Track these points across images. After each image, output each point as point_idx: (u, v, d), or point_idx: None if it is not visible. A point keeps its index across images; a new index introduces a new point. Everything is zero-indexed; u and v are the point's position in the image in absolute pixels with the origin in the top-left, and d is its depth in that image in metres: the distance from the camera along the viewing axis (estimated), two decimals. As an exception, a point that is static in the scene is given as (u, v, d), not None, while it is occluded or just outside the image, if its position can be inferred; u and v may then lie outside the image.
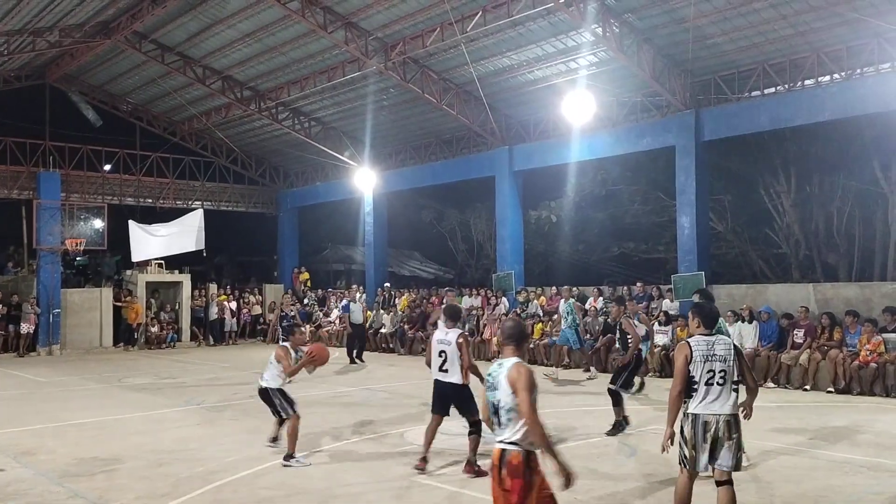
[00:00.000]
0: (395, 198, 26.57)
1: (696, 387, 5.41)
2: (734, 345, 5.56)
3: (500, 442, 4.35)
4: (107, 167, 26.53)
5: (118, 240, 25.06)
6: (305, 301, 26.70)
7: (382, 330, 21.87)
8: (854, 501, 6.62)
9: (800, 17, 14.35)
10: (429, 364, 8.11)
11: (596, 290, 19.33)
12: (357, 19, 18.19)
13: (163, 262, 24.77)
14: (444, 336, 7.84)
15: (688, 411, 5.44)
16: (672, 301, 17.17)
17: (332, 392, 13.52)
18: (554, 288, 20.38)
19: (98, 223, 25.29)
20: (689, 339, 5.57)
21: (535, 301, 19.87)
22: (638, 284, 18.68)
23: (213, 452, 8.81)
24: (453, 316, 8.12)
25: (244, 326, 26.19)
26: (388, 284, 24.87)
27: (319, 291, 27.48)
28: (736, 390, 5.46)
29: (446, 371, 7.77)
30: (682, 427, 5.47)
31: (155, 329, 24.12)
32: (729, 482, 5.45)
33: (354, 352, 18.79)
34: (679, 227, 17.60)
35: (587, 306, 18.33)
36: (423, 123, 22.88)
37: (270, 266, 31.70)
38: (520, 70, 18.60)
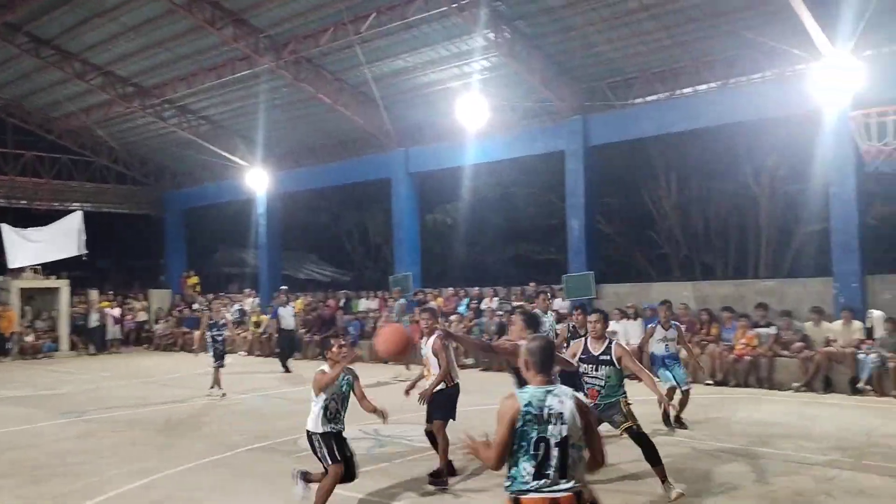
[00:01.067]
0: (290, 199, 26.09)
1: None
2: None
3: (569, 489, 3.66)
4: (-26, 166, 24.74)
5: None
6: (195, 306, 25.77)
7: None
8: (731, 488, 7.00)
9: (679, 28, 15.09)
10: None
11: (492, 290, 19.65)
12: (247, 16, 17.77)
13: (39, 267, 23.31)
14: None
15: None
16: (563, 300, 17.66)
17: (225, 399, 13.12)
18: (451, 289, 20.56)
19: (-35, 226, 23.49)
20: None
21: (433, 302, 19.97)
22: (531, 284, 19.11)
23: (94, 467, 8.37)
24: (531, 324, 6.90)
25: (128, 334, 25.03)
26: (283, 288, 24.31)
27: (210, 296, 26.58)
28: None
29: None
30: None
31: (30, 338, 22.66)
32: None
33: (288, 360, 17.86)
34: (569, 228, 18.14)
35: (482, 307, 18.62)
36: (317, 124, 22.58)
37: (157, 270, 30.44)
38: (415, 72, 18.67)
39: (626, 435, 6.83)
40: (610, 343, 7.02)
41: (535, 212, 25.39)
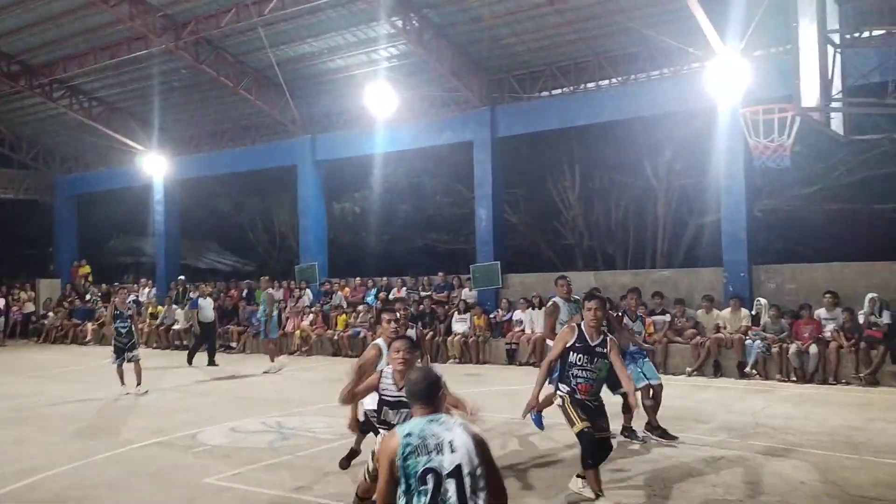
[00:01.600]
0: (190, 185, 25.19)
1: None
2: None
3: None
4: None
5: None
6: (88, 297, 24.60)
7: (175, 326, 20.68)
8: (624, 470, 7.23)
9: (582, 23, 15.42)
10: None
11: (400, 280, 19.63)
12: (143, -7, 17.00)
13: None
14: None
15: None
16: (471, 290, 17.83)
17: (116, 394, 12.55)
18: (359, 279, 20.40)
19: None
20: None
21: (340, 293, 19.78)
22: (440, 274, 19.20)
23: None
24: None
25: (14, 326, 23.65)
26: (182, 277, 23.52)
27: (104, 286, 25.41)
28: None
29: None
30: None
31: None
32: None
33: (196, 355, 16.73)
34: (477, 218, 18.31)
35: (391, 297, 18.56)
36: (219, 108, 21.86)
37: (45, 259, 28.83)
38: (321, 58, 18.34)
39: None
40: (606, 334, 6.44)
41: (443, 201, 25.52)
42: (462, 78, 17.32)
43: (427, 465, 3.25)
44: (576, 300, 8.69)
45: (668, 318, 14.28)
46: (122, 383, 12.45)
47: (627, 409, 8.12)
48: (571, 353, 6.30)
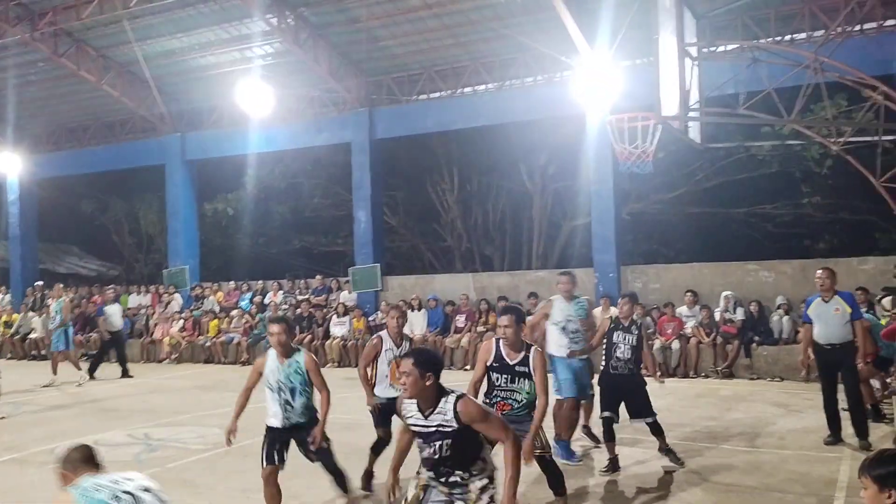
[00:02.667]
0: (49, 185, 23.62)
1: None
2: None
3: None
4: None
5: None
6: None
7: (32, 335, 19.31)
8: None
9: (460, 28, 15.65)
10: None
11: (276, 283, 19.20)
12: (-5, -22, 15.81)
13: None
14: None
15: None
16: (350, 293, 17.69)
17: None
18: (232, 283, 19.79)
19: None
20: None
21: (212, 297, 19.11)
22: (318, 277, 18.94)
23: None
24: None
25: None
26: (40, 283, 21.97)
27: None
28: None
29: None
30: None
31: None
32: None
33: (102, 365, 15.46)
34: (356, 220, 18.19)
35: (266, 301, 18.14)
36: (81, 103, 20.63)
37: None
38: (190, 53, 17.69)
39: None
40: (529, 350, 5.50)
41: (321, 203, 25.15)
42: (340, 79, 17.18)
43: None
44: (579, 300, 7.96)
45: (542, 317, 14.68)
46: None
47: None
48: (490, 371, 5.53)
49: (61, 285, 15.65)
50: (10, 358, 19.00)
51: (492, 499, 4.10)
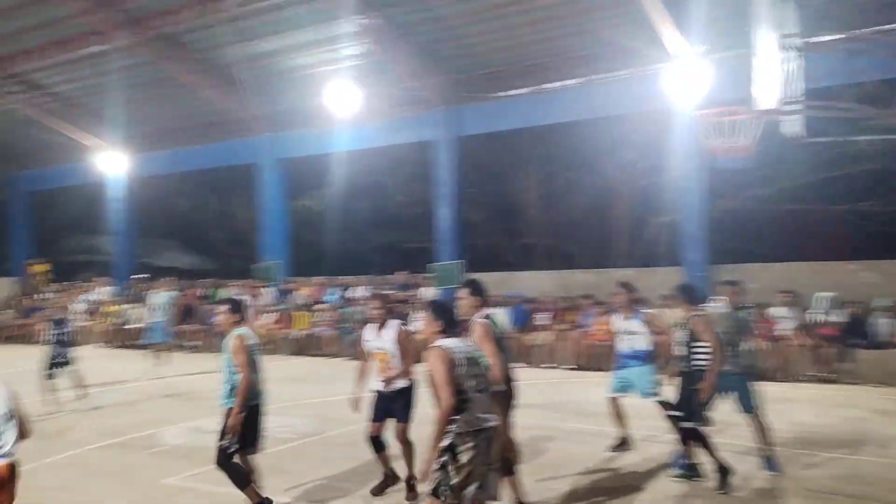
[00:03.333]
0: (149, 183, 24.78)
1: (467, 397, 4.53)
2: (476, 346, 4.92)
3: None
4: None
5: None
6: (42, 296, 24.02)
7: (133, 325, 20.27)
8: (589, 468, 7.32)
9: (545, 24, 15.53)
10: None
11: (361, 279, 19.55)
12: (102, -13, 16.68)
13: None
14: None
15: (466, 429, 4.49)
16: (432, 289, 17.83)
17: (98, 392, 12.28)
18: (320, 278, 20.27)
19: None
20: (439, 342, 4.68)
21: (301, 291, 19.63)
22: (401, 273, 19.17)
23: None
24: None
25: (-35, 326, 23.01)
26: (141, 276, 23.14)
27: (60, 284, 24.86)
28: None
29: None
30: (452, 449, 4.48)
31: None
32: None
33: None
34: (438, 217, 18.33)
35: (351, 296, 18.48)
36: (180, 105, 21.53)
37: (-1, 257, 28.10)
38: (283, 55, 18.19)
39: None
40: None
41: (404, 200, 25.49)
42: (424, 77, 17.32)
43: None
44: (745, 309, 7.60)
45: (627, 316, 14.42)
46: (53, 395, 11.07)
47: None
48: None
49: (169, 279, 16.28)
50: (112, 346, 20.03)
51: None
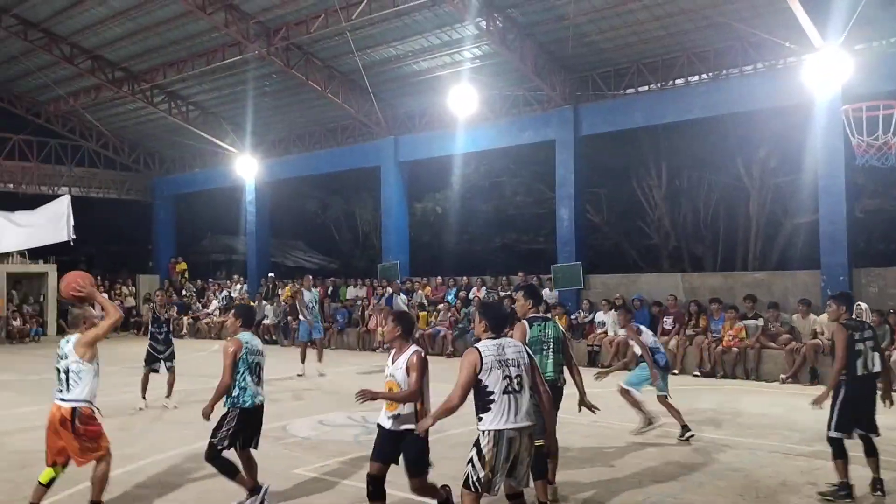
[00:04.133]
0: (279, 186, 26.00)
1: (492, 398, 4.68)
2: (526, 349, 4.99)
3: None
4: (-38, 149, 24.52)
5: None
6: (184, 292, 25.72)
7: (265, 321, 21.37)
8: (717, 478, 7.05)
9: (671, 18, 15.07)
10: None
11: (480, 280, 19.66)
12: (238, 1, 17.64)
13: (25, 251, 23.13)
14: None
15: (487, 427, 4.68)
16: (551, 291, 17.69)
17: (207, 385, 13.04)
18: (439, 278, 20.57)
19: (-49, 209, 23.30)
20: (477, 346, 4.86)
21: (421, 291, 19.99)
22: (520, 274, 19.12)
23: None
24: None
25: (116, 319, 24.90)
26: (271, 275, 24.32)
27: (198, 282, 26.53)
28: (533, 398, 4.89)
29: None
30: (478, 447, 4.71)
31: (17, 322, 22.55)
32: (520, 495, 4.97)
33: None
34: (558, 218, 18.15)
35: (470, 296, 18.64)
36: (307, 111, 22.47)
37: (145, 256, 30.27)
38: (405, 60, 18.59)
39: None
40: None
41: (523, 201, 25.41)
42: (545, 77, 17.22)
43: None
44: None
45: (760, 322, 13.80)
46: (144, 396, 11.06)
47: None
48: None
49: (310, 277, 16.13)
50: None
51: None
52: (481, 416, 4.74)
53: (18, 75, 23.68)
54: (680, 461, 7.59)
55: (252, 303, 22.28)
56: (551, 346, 6.24)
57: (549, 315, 7.00)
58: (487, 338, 4.92)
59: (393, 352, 5.57)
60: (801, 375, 12.86)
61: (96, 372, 5.94)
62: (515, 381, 4.75)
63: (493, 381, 4.70)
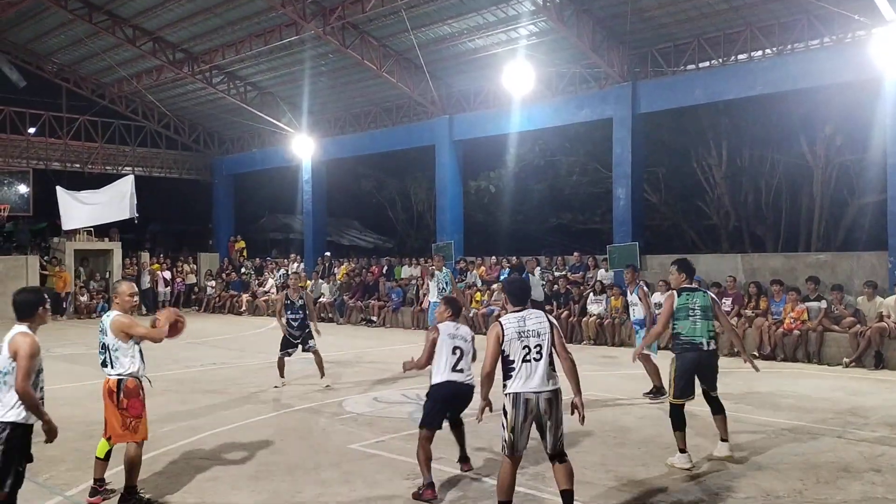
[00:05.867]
0: (335, 166, 26.26)
1: (513, 366, 5.18)
2: (549, 318, 5.36)
3: None
4: (31, 130, 25.42)
5: (45, 206, 24.14)
6: (242, 270, 26.28)
7: (322, 299, 21.72)
8: (776, 462, 6.92)
9: (735, -8, 14.61)
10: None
11: (534, 259, 19.55)
12: (295, -19, 17.75)
13: (92, 229, 23.97)
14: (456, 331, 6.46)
15: (508, 391, 5.21)
16: (607, 271, 17.51)
17: (269, 361, 13.35)
18: (493, 258, 20.54)
19: (23, 188, 24.30)
20: (500, 319, 5.34)
21: (475, 271, 20.00)
22: (575, 254, 18.98)
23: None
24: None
25: (178, 296, 25.66)
26: (327, 253, 24.68)
27: (256, 260, 27.09)
28: (553, 365, 5.26)
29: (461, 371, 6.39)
30: (504, 410, 5.22)
31: (84, 298, 23.41)
32: (561, 455, 5.27)
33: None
34: (615, 198, 17.90)
35: (524, 276, 18.54)
36: (362, 91, 22.57)
37: (205, 234, 31.03)
38: (460, 38, 18.47)
39: None
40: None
41: (579, 180, 25.10)
42: (602, 53, 16.91)
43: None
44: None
45: (823, 304, 13.43)
46: (282, 375, 11.10)
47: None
48: None
49: (441, 256, 15.21)
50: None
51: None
52: (505, 382, 5.25)
53: (83, 57, 24.38)
54: (739, 443, 7.47)
55: (308, 281, 22.68)
56: (698, 314, 6.97)
57: (697, 287, 7.49)
58: (511, 311, 5.40)
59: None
60: (865, 359, 12.48)
61: (137, 350, 6.05)
62: (535, 350, 5.20)
63: (514, 350, 5.20)
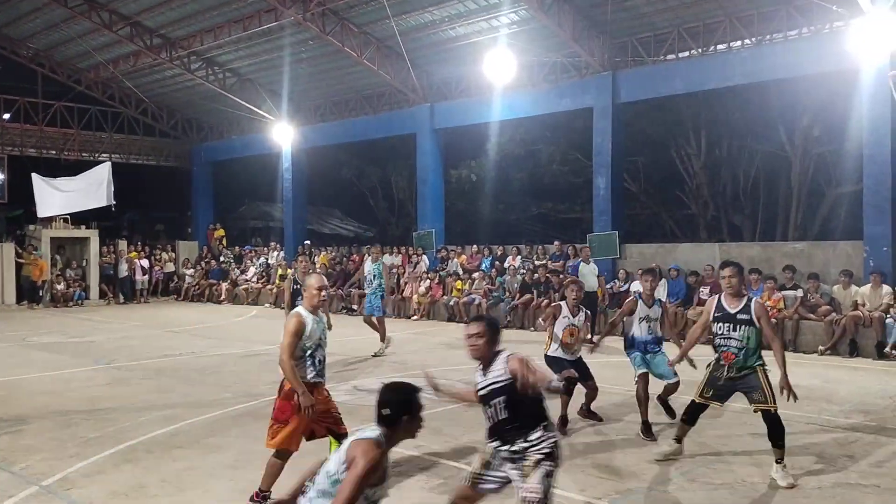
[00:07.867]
0: (315, 154, 26.11)
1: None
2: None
3: None
4: (6, 116, 25.04)
5: (20, 193, 23.80)
6: (221, 258, 26.10)
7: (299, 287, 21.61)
8: (751, 449, 7.01)
9: (714, -18, 14.66)
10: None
11: (515, 248, 19.63)
12: (274, -33, 17.57)
13: (68, 217, 23.67)
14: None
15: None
16: (587, 263, 17.56)
17: (249, 350, 13.31)
18: (475, 247, 20.57)
19: (-3, 175, 23.94)
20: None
21: (456, 259, 20.02)
22: (555, 243, 19.05)
23: (124, 413, 8.58)
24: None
25: (156, 284, 25.46)
26: (307, 242, 24.56)
27: (236, 249, 26.92)
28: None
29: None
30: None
31: (61, 286, 23.15)
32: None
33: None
34: (595, 187, 17.97)
35: (506, 265, 18.62)
36: (343, 78, 22.43)
37: (184, 222, 30.76)
38: (441, 26, 18.40)
39: (758, 412, 6.20)
40: (749, 300, 6.27)
41: (560, 169, 25.17)
42: (583, 42, 16.93)
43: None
44: None
45: (799, 293, 13.60)
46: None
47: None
48: (714, 322, 6.38)
49: (379, 246, 14.99)
50: (283, 308, 21.41)
51: (547, 474, 4.23)
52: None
53: (59, 42, 24.00)
54: (715, 431, 7.56)
55: (289, 269, 22.54)
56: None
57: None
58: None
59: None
60: (840, 347, 12.68)
61: (307, 353, 5.64)
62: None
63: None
